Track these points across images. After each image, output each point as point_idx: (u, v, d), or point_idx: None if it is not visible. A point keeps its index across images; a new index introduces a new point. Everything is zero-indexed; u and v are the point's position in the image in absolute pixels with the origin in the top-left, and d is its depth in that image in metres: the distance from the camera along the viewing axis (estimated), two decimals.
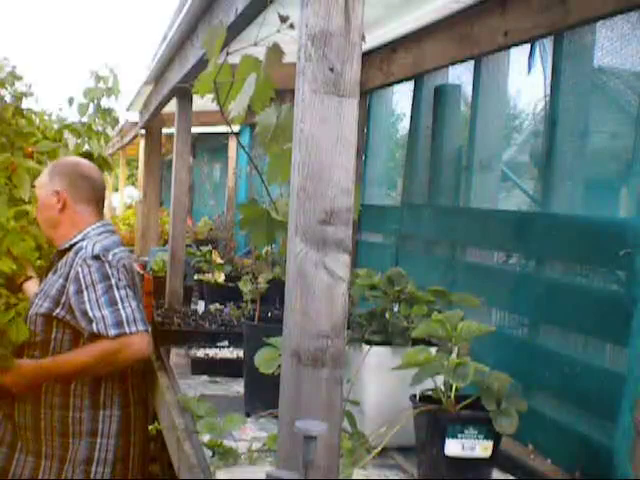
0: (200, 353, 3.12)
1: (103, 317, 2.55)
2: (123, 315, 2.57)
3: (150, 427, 2.32)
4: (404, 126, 3.90)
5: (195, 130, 5.55)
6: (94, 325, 2.56)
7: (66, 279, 2.65)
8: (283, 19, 1.70)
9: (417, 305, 2.27)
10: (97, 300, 2.57)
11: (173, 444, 2.38)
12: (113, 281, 2.62)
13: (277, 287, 3.13)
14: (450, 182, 3.19)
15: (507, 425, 1.81)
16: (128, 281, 2.73)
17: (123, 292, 2.62)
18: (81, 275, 2.60)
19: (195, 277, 4.44)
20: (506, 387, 1.90)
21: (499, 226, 2.65)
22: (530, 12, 2.44)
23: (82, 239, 2.77)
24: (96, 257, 2.66)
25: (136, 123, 6.69)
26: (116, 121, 4.74)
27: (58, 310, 2.68)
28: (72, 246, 2.75)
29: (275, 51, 1.76)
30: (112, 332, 2.54)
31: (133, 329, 2.57)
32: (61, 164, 2.99)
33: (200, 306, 4.30)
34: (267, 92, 1.83)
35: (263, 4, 1.94)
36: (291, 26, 1.67)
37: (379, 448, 1.91)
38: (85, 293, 2.59)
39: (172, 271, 4.11)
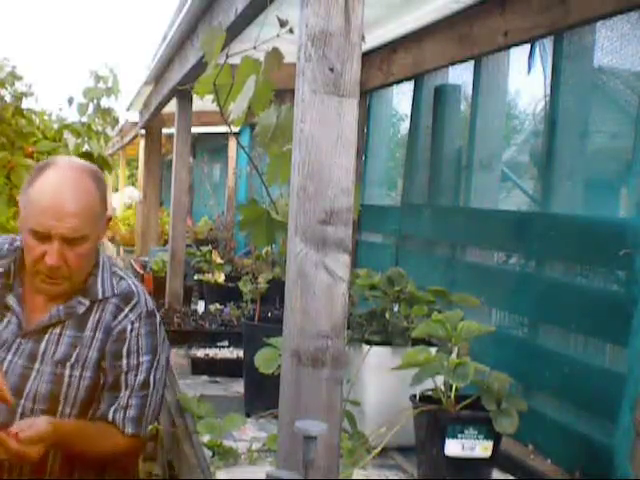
0: (200, 353, 3.13)
1: (127, 406, 1.94)
2: (147, 411, 1.98)
3: (150, 427, 2.32)
4: (404, 126, 3.91)
5: (195, 130, 5.56)
6: (111, 410, 1.94)
7: (107, 333, 1.93)
8: (282, 23, 1.70)
9: (417, 305, 2.27)
10: (135, 376, 1.95)
11: (173, 444, 2.38)
12: (157, 357, 2.01)
13: (277, 287, 3.13)
14: (450, 182, 3.19)
15: (507, 425, 1.81)
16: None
17: (159, 374, 2.02)
18: (128, 334, 1.94)
19: (195, 277, 4.44)
20: (506, 387, 1.90)
21: (499, 226, 2.65)
22: (530, 12, 2.44)
23: (115, 277, 2.00)
24: (152, 313, 2.00)
25: (136, 123, 6.70)
26: (116, 121, 4.75)
27: (104, 378, 1.97)
28: (110, 295, 1.96)
29: (274, 55, 1.77)
30: (129, 430, 1.94)
31: (147, 431, 2.04)
32: (96, 169, 2.01)
33: (200, 306, 4.31)
34: (267, 94, 1.84)
35: (263, 4, 1.94)
36: (290, 30, 1.67)
37: (379, 448, 1.91)
38: (125, 361, 1.94)
39: (172, 271, 4.12)
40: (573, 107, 2.36)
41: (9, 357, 1.86)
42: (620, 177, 2.33)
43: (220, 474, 1.95)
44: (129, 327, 1.93)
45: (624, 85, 2.36)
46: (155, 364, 1.99)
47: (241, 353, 2.83)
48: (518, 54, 2.72)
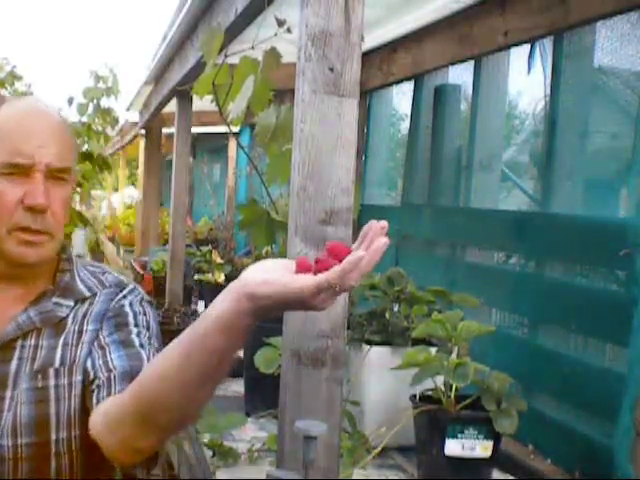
0: None
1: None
2: None
3: None
4: (404, 126, 3.91)
5: (195, 130, 5.56)
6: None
7: (101, 320, 1.39)
8: (280, 23, 1.70)
9: (417, 305, 2.27)
10: (150, 344, 1.37)
11: (173, 444, 2.38)
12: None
13: None
14: (450, 182, 3.19)
15: (507, 425, 1.81)
16: None
17: None
18: (128, 309, 1.42)
19: (195, 277, 4.44)
20: (506, 387, 1.90)
21: (499, 226, 2.65)
22: (530, 12, 2.44)
23: (97, 271, 1.50)
24: (151, 303, 1.51)
25: (136, 123, 6.70)
26: (116, 121, 4.75)
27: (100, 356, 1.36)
28: (100, 289, 1.45)
29: (272, 54, 1.77)
30: None
31: None
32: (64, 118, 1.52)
33: (200, 306, 4.31)
34: (265, 94, 1.84)
35: (263, 5, 1.94)
36: (288, 30, 1.67)
37: (379, 448, 1.91)
38: (134, 328, 1.39)
39: (172, 271, 4.12)
40: (573, 107, 2.36)
41: None
42: (620, 177, 2.33)
43: (220, 474, 1.95)
44: (127, 304, 1.43)
45: (624, 85, 2.36)
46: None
47: (241, 353, 2.83)
48: (518, 54, 2.72)
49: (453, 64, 3.11)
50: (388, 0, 2.83)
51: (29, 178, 1.31)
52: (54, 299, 1.40)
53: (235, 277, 1.03)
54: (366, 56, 3.44)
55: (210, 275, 4.31)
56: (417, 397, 1.96)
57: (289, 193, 1.36)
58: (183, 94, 3.94)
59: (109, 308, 1.41)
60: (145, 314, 1.43)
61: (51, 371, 1.34)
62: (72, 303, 1.41)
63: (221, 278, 4.26)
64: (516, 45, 2.63)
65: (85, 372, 1.34)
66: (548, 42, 2.46)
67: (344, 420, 2.00)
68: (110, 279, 1.47)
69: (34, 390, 1.32)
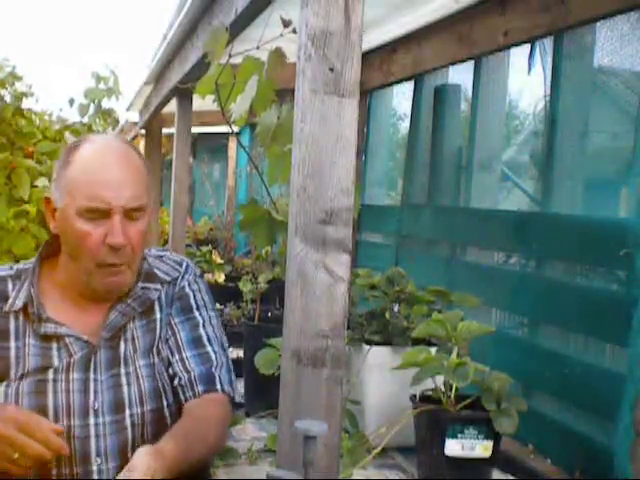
0: None
1: (221, 364, 1.58)
2: (234, 376, 1.62)
3: None
4: (404, 126, 3.91)
5: (195, 130, 5.55)
6: (216, 373, 1.55)
7: (171, 302, 1.62)
8: (286, 23, 1.70)
9: (417, 305, 2.27)
10: (213, 331, 1.62)
11: None
12: (218, 316, 1.71)
13: (277, 287, 3.13)
14: (450, 182, 3.19)
15: (507, 425, 1.81)
16: None
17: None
18: (188, 290, 1.65)
19: None
20: (506, 387, 1.90)
21: (499, 226, 2.65)
22: (530, 12, 2.44)
23: (161, 255, 1.73)
24: (202, 275, 1.73)
25: (136, 123, 6.70)
26: (116, 122, 4.75)
27: (172, 340, 1.61)
28: (176, 274, 1.67)
29: (277, 55, 1.76)
30: (235, 395, 1.57)
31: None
32: (134, 145, 1.76)
33: None
34: (269, 94, 1.83)
35: (263, 4, 1.94)
36: (294, 31, 1.66)
37: (379, 448, 1.91)
38: (197, 313, 1.64)
39: None
40: (573, 107, 2.36)
41: (92, 376, 1.50)
42: (620, 177, 2.33)
43: (220, 474, 1.95)
44: (187, 285, 1.64)
45: (624, 85, 2.37)
46: (220, 323, 1.67)
47: (241, 353, 2.83)
48: (518, 54, 2.73)
49: (453, 64, 3.11)
50: (388, 0, 2.83)
51: (109, 219, 1.51)
52: (140, 284, 1.60)
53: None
54: (366, 56, 3.44)
55: (210, 275, 4.31)
56: (417, 397, 1.96)
57: (289, 193, 1.36)
58: (183, 94, 3.94)
59: (175, 292, 1.64)
60: (200, 291, 1.66)
61: (154, 350, 1.56)
62: (159, 286, 1.62)
63: (221, 278, 4.27)
64: (516, 45, 2.63)
65: (160, 353, 1.57)
66: (548, 42, 2.47)
67: (344, 420, 2.00)
68: (175, 259, 1.70)
69: (150, 366, 1.55)
